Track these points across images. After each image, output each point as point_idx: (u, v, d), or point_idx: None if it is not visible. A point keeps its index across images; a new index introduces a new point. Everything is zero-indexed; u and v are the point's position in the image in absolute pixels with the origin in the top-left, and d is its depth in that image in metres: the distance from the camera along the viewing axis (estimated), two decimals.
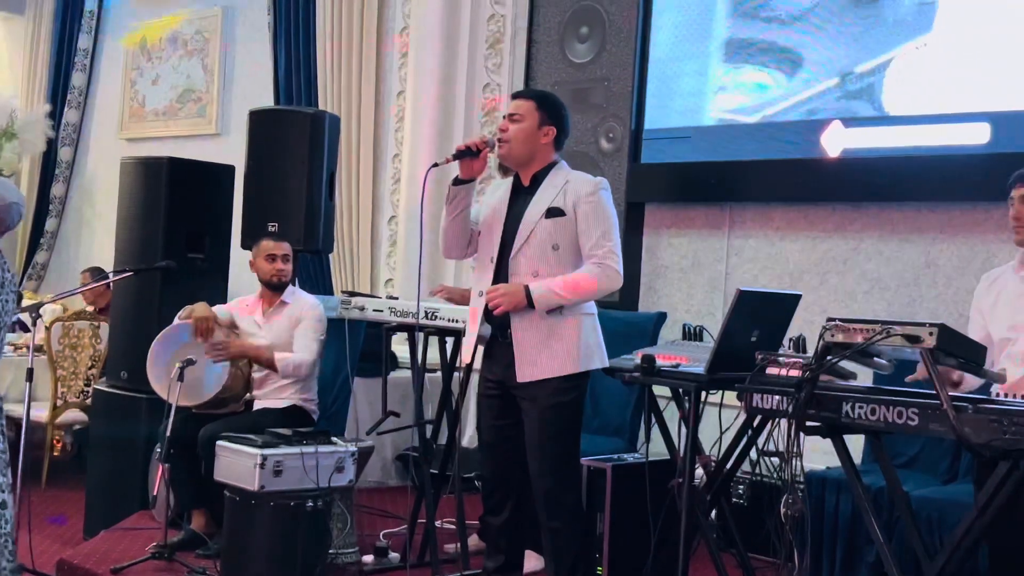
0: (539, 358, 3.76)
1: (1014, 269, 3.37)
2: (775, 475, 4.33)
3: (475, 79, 6.78)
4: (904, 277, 5.26)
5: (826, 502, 4.43)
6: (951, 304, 4.94)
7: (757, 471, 4.27)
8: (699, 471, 4.39)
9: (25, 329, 6.76)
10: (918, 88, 5.14)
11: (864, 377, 3.46)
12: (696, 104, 5.92)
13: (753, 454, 4.07)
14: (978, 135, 4.87)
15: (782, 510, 3.52)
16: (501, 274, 3.85)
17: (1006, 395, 3.08)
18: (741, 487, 4.99)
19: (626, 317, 5.72)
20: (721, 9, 5.85)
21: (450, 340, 4.74)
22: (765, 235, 5.75)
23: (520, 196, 3.89)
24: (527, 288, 3.72)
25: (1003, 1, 4.87)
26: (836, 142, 5.35)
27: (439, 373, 4.91)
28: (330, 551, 4.56)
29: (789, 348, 3.56)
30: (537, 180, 3.87)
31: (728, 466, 4.22)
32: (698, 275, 5.89)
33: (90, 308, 7.36)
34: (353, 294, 5.32)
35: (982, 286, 3.48)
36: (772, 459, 4.61)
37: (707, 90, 5.90)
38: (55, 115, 9.74)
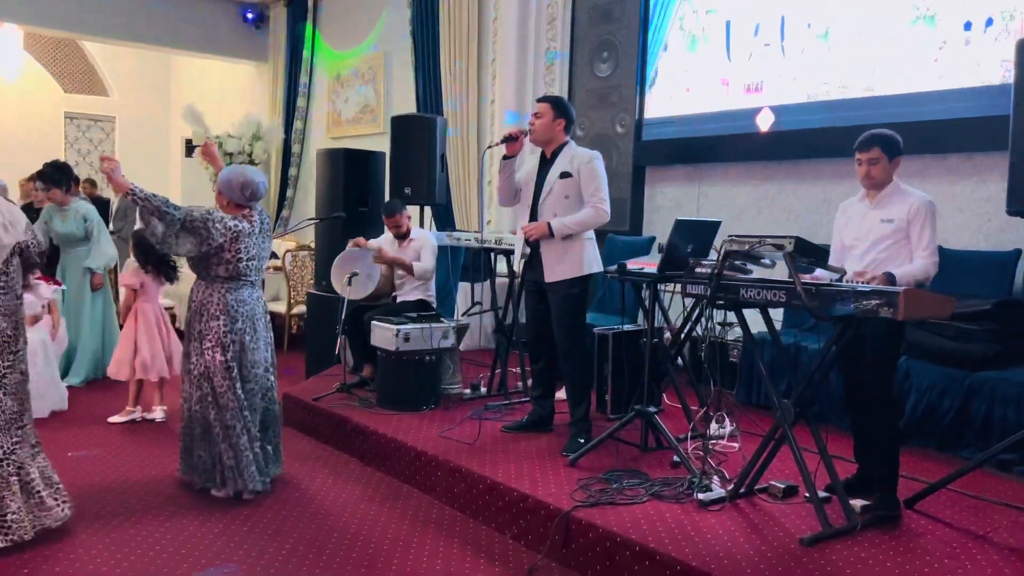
0: (558, 266, 3.79)
1: (859, 199, 3.30)
2: (715, 336, 4.37)
3: (538, 90, 6.65)
4: (810, 208, 5.12)
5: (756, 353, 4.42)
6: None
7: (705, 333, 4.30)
8: (667, 335, 4.44)
9: (273, 256, 7.00)
10: (818, 83, 4.98)
11: None
12: (676, 101, 5.81)
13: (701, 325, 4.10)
14: (860, 116, 4.70)
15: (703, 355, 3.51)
16: (534, 215, 3.86)
17: (850, 282, 3.07)
18: (703, 344, 4.94)
19: (632, 240, 5.71)
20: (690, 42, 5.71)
21: (511, 258, 4.80)
22: (722, 184, 5.63)
23: (544, 165, 3.88)
24: (549, 224, 3.75)
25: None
26: (766, 121, 5.22)
27: (506, 279, 4.94)
28: (442, 386, 4.67)
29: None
30: (555, 154, 3.85)
31: (685, 331, 4.27)
32: (680, 211, 5.79)
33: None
34: (455, 231, 5.39)
35: (840, 208, 3.36)
36: (719, 326, 4.64)
37: (682, 92, 5.78)
38: (287, 125, 9.82)
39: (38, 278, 4.04)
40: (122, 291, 5.06)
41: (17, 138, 10.58)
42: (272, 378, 3.76)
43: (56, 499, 3.12)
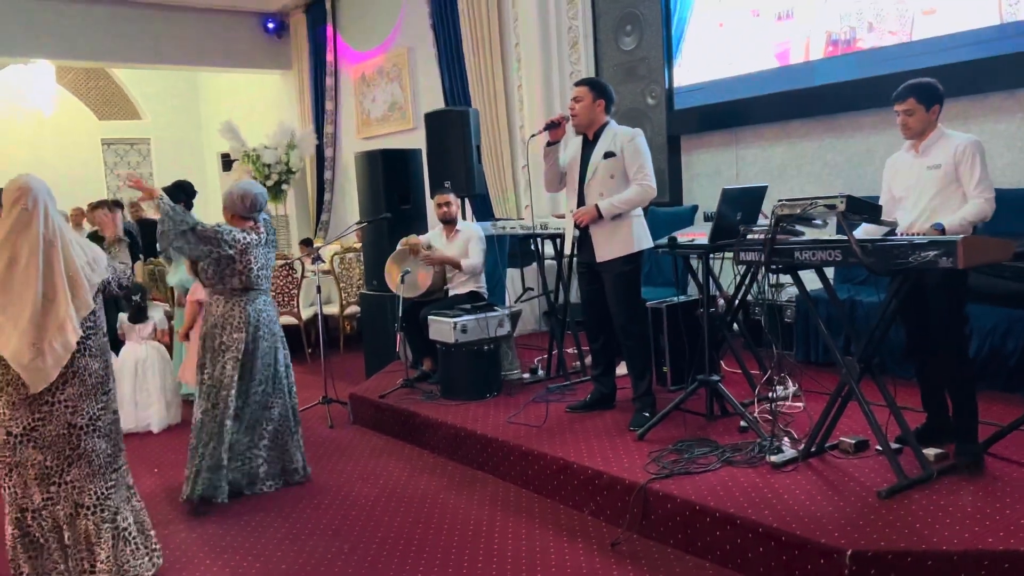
0: (608, 246, 3.83)
1: (905, 150, 3.30)
2: (771, 298, 4.38)
3: (564, 70, 6.71)
4: (852, 160, 5.09)
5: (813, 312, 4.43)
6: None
7: (760, 298, 4.31)
8: (721, 303, 4.46)
9: (320, 260, 7.11)
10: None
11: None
12: (705, 67, 5.79)
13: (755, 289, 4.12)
14: (893, 64, 4.65)
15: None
16: (581, 197, 3.90)
17: (903, 234, 3.08)
18: (757, 308, 4.95)
19: (673, 211, 5.73)
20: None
21: (557, 241, 4.88)
22: (759, 146, 5.62)
23: (587, 147, 3.90)
24: (597, 206, 3.80)
25: None
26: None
27: (554, 261, 5.00)
28: (502, 373, 4.77)
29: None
30: (597, 136, 3.88)
31: (738, 298, 4.29)
32: (719, 178, 5.81)
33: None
34: (499, 219, 5.45)
35: (888, 163, 3.37)
36: (771, 288, 4.64)
37: (709, 56, 5.75)
38: (318, 129, 9.95)
39: (153, 298, 4.23)
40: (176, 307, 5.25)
41: (59, 170, 10.86)
42: (290, 379, 3.91)
43: (146, 548, 2.97)
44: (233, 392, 3.66)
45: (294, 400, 3.94)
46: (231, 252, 3.62)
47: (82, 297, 2.72)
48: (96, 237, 6.24)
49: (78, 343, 2.70)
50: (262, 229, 3.78)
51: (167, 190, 5.41)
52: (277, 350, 3.83)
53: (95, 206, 6.46)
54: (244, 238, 3.67)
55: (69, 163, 11.48)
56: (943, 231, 2.92)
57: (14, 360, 2.61)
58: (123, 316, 5.21)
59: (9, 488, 2.76)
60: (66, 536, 2.79)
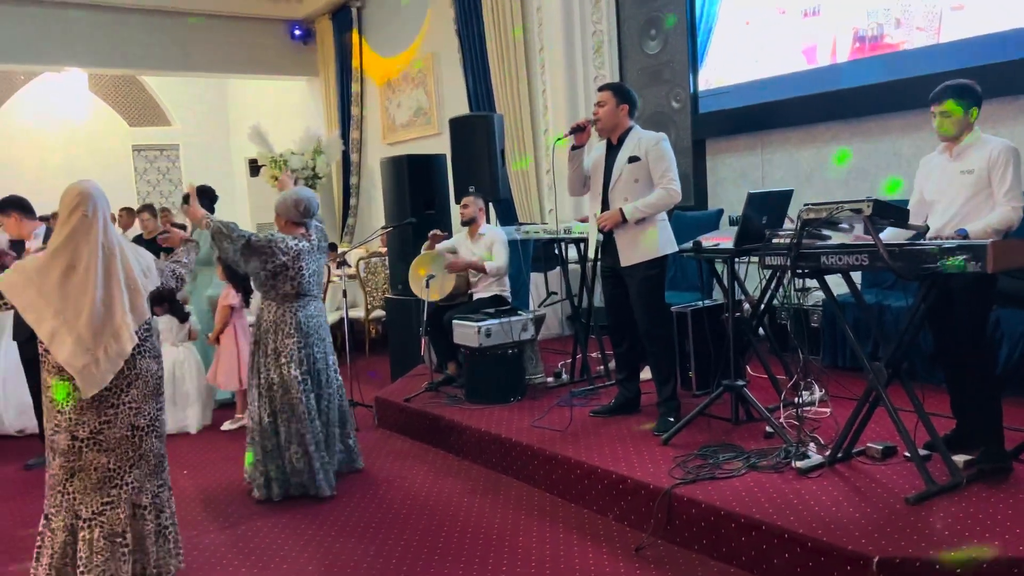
0: (633, 251, 3.83)
1: (939, 152, 3.27)
2: (797, 302, 4.35)
3: (588, 75, 6.70)
4: (880, 164, 5.04)
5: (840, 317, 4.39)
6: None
7: (786, 303, 4.28)
8: (746, 307, 4.44)
9: (346, 265, 7.18)
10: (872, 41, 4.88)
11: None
12: (729, 70, 5.77)
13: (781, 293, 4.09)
14: (920, 66, 4.61)
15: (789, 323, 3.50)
16: (605, 201, 3.90)
17: (934, 238, 3.05)
18: (784, 313, 4.91)
19: (698, 215, 5.70)
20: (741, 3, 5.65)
21: (581, 245, 4.87)
22: (785, 149, 5.58)
23: (612, 151, 3.91)
24: (621, 210, 3.80)
25: None
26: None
27: (578, 265, 4.99)
28: (526, 377, 4.78)
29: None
30: (621, 140, 3.88)
31: (763, 302, 4.26)
32: (745, 182, 5.78)
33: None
34: (523, 224, 5.46)
35: (922, 163, 3.33)
36: (797, 293, 4.60)
37: (735, 58, 5.73)
38: (344, 135, 10.02)
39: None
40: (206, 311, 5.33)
41: (91, 175, 10.93)
42: (339, 378, 4.01)
43: (175, 548, 2.98)
44: (301, 394, 3.72)
45: (343, 400, 4.04)
46: (284, 260, 3.68)
47: (140, 305, 2.75)
48: (141, 240, 6.37)
49: (137, 346, 2.72)
50: (313, 236, 3.83)
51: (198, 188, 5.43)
52: (327, 356, 3.89)
53: (141, 210, 6.64)
54: (296, 245, 3.72)
55: (101, 169, 11.68)
56: (967, 237, 2.89)
57: (68, 364, 2.62)
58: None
59: (69, 493, 2.73)
60: (127, 537, 2.76)
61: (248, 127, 9.84)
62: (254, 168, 10.58)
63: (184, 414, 5.19)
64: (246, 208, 11.34)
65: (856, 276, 4.69)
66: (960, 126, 3.11)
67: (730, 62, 5.74)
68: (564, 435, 3.90)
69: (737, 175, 5.87)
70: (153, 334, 2.84)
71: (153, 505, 2.84)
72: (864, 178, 5.09)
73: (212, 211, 5.32)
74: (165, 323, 5.17)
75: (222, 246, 3.60)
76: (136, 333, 2.72)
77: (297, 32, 10.55)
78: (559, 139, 4.11)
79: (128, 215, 8.81)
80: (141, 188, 12.48)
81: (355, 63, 9.90)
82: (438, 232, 5.17)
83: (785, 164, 5.57)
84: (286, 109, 11.29)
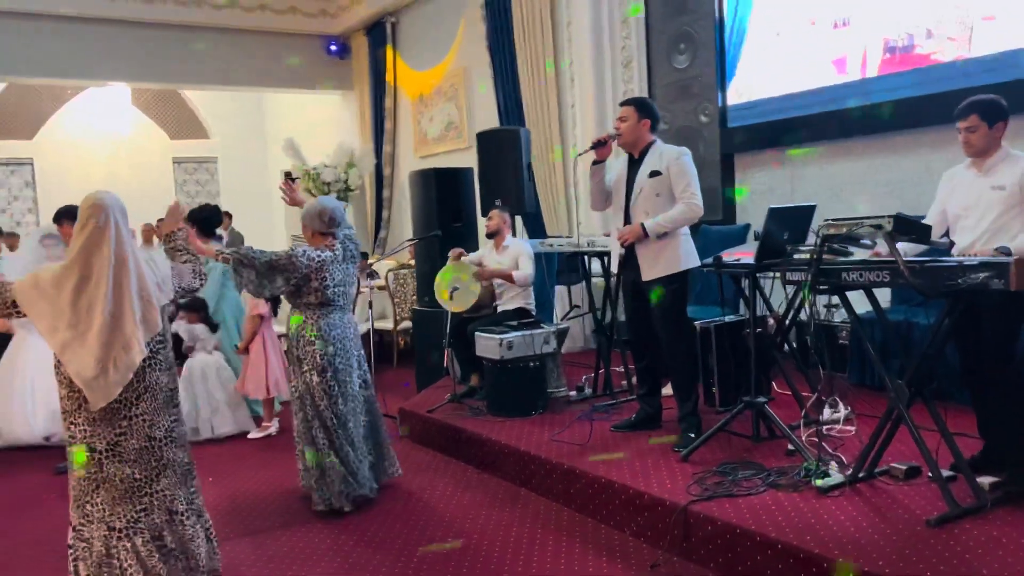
0: (654, 265, 3.83)
1: (966, 167, 3.22)
2: (823, 319, 4.27)
3: (617, 89, 6.70)
4: (911, 180, 4.96)
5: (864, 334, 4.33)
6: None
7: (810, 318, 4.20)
8: (771, 323, 4.38)
9: (376, 276, 7.25)
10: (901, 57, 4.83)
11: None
12: (758, 84, 5.74)
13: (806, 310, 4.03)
14: (946, 82, 4.55)
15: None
16: (627, 216, 3.90)
17: (962, 254, 3.00)
18: (809, 329, 4.82)
19: (725, 229, 5.66)
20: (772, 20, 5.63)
21: (605, 259, 4.86)
22: (815, 165, 5.52)
23: (633, 165, 3.91)
24: (642, 224, 3.79)
25: None
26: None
27: (602, 279, 4.97)
28: (548, 390, 4.76)
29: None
30: (643, 154, 3.89)
31: (789, 317, 4.21)
32: (773, 197, 5.70)
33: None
34: (548, 237, 5.47)
35: (945, 176, 3.28)
36: (821, 309, 4.53)
37: (764, 72, 5.70)
38: (377, 148, 10.12)
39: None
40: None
41: (133, 187, 11.32)
42: (371, 390, 4.00)
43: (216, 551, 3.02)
44: (326, 402, 3.74)
45: (375, 416, 4.03)
46: (306, 271, 3.69)
47: (152, 317, 2.73)
48: None
49: (148, 358, 2.71)
50: (337, 246, 3.83)
51: (193, 213, 5.42)
52: (351, 369, 3.85)
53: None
54: (319, 256, 3.72)
55: (141, 181, 11.98)
56: (1009, 254, 2.83)
57: (78, 375, 2.60)
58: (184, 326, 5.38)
59: (97, 505, 2.71)
60: (167, 540, 2.76)
61: (283, 140, 10.02)
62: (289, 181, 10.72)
63: (216, 421, 5.26)
64: (282, 219, 11.53)
65: (885, 293, 4.66)
66: (986, 141, 3.06)
67: (759, 75, 5.71)
68: (584, 449, 3.89)
69: (766, 189, 5.82)
70: (166, 345, 2.83)
71: (191, 510, 2.84)
72: (896, 194, 5.01)
73: (212, 235, 5.35)
74: (201, 331, 5.29)
75: (243, 275, 3.58)
76: (148, 345, 2.71)
77: (334, 47, 10.71)
78: (578, 152, 4.11)
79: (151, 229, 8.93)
80: (180, 200, 12.72)
81: (389, 77, 9.99)
82: (461, 251, 5.19)
83: (815, 179, 5.51)
84: (321, 122, 11.46)
